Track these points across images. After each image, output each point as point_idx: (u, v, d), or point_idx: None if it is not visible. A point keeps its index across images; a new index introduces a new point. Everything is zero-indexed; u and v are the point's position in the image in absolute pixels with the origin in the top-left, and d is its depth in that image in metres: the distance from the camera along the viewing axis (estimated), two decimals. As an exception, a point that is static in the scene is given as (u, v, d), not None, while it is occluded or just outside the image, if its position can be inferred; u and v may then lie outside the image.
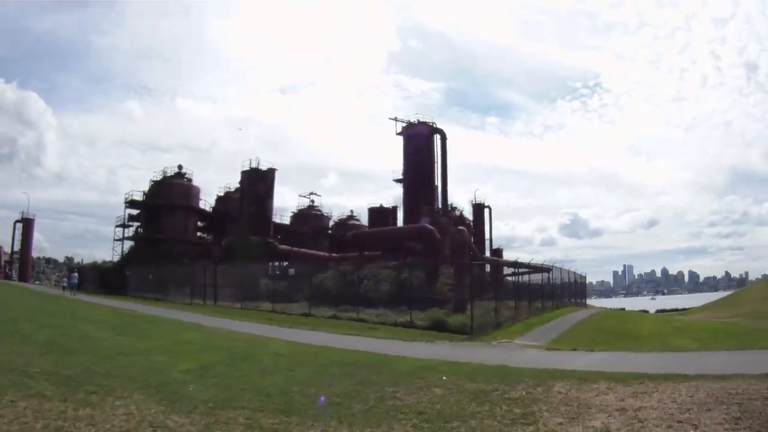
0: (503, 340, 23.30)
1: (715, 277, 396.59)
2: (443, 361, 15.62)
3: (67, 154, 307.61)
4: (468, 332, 25.38)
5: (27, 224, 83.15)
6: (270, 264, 46.79)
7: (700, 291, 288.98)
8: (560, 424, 8.90)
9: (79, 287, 48.05)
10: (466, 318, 26.80)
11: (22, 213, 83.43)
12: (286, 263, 48.00)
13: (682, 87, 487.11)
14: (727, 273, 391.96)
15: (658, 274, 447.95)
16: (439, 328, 26.83)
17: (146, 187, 60.00)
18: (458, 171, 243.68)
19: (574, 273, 53.49)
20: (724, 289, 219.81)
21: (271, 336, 21.76)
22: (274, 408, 9.65)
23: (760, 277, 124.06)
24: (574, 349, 20.14)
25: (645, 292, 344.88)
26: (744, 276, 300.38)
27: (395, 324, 28.38)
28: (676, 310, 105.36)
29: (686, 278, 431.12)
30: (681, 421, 8.76)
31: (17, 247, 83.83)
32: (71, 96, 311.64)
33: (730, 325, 41.73)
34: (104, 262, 62.20)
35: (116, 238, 62.65)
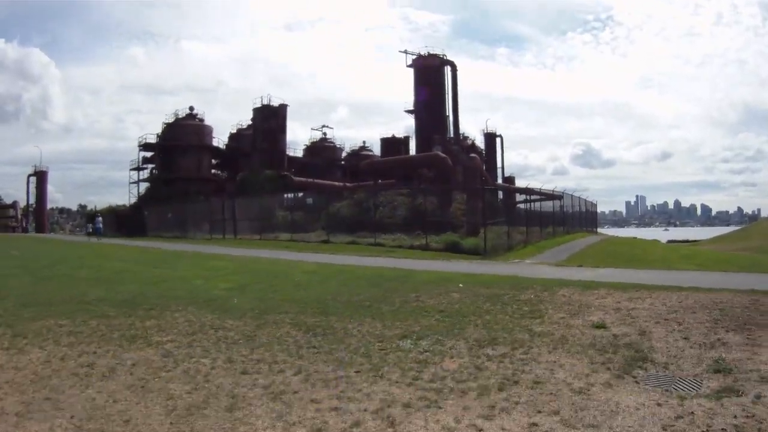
0: (515, 260, 24.91)
1: (727, 212, 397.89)
2: (459, 273, 17.29)
3: (73, 105, 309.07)
4: (481, 253, 26.87)
5: (41, 177, 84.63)
6: (285, 196, 47.98)
7: (712, 225, 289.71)
8: (563, 318, 10.52)
9: (87, 232, 48.26)
10: (479, 240, 28.36)
11: (35, 167, 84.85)
12: (301, 194, 49.31)
13: (696, 23, 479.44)
14: (739, 209, 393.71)
15: (671, 205, 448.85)
16: (453, 250, 28.38)
17: (155, 131, 61.43)
18: (468, 101, 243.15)
19: (585, 200, 54.90)
20: (737, 224, 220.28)
21: (296, 259, 23.30)
22: (313, 311, 11.24)
23: None
24: (581, 266, 21.79)
25: (657, 223, 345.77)
26: (756, 212, 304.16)
27: (411, 247, 29.90)
28: (687, 241, 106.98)
29: (699, 211, 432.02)
30: (667, 319, 10.34)
31: (32, 200, 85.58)
32: (73, 47, 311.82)
33: (736, 255, 43.04)
34: (119, 206, 63.64)
35: (131, 181, 64.37)
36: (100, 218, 47.06)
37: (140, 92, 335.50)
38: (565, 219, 45.67)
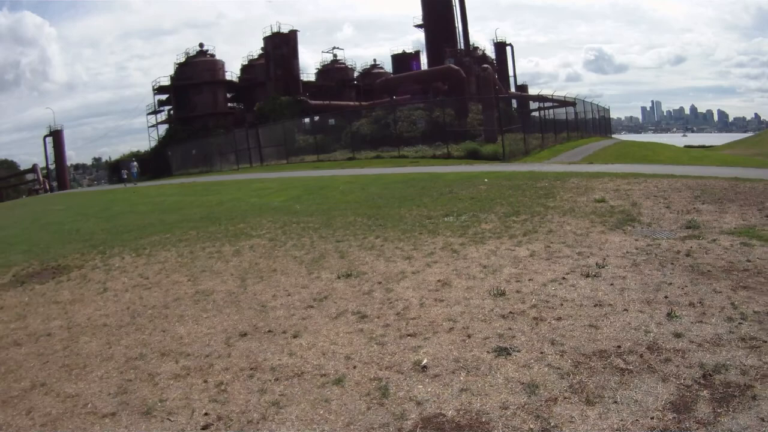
0: (532, 162, 27.57)
1: (744, 118, 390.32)
2: (483, 172, 20.05)
3: (73, 62, 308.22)
4: (500, 158, 29.35)
5: (57, 136, 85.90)
6: (305, 120, 49.76)
7: (729, 131, 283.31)
8: (571, 196, 13.30)
9: (121, 179, 46.55)
10: (498, 146, 30.83)
11: (50, 127, 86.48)
12: (317, 118, 51.36)
13: None
14: (756, 115, 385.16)
15: (687, 111, 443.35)
16: (473, 157, 30.77)
17: (160, 74, 62.89)
18: (476, 10, 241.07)
19: (597, 106, 56.92)
20: (754, 130, 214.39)
21: (330, 175, 25.80)
22: (368, 206, 14.01)
23: None
24: (591, 163, 24.54)
25: (674, 129, 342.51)
26: None
27: (434, 156, 32.30)
28: (703, 146, 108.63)
29: (716, 117, 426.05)
30: (656, 196, 13.11)
31: (51, 160, 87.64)
32: (66, 3, 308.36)
33: (746, 158, 45.05)
34: (138, 152, 64.85)
35: (149, 125, 65.73)
36: (135, 163, 46.66)
37: (140, 37, 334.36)
38: (578, 124, 47.55)
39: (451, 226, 10.46)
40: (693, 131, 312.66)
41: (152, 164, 55.27)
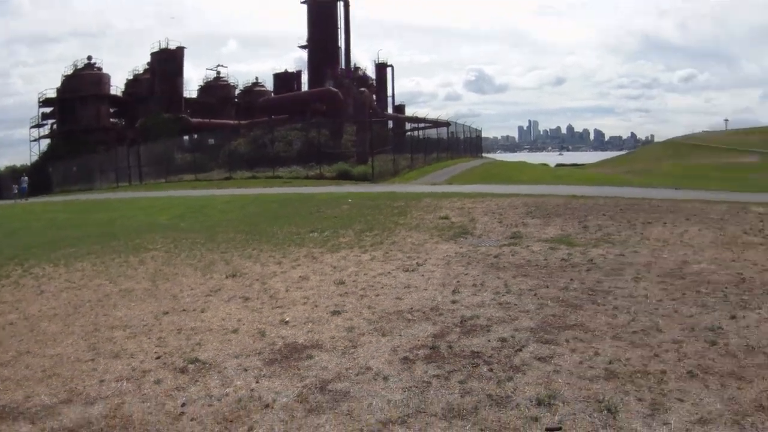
0: (399, 183, 30.82)
1: (620, 137, 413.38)
2: (349, 193, 23.20)
3: None
4: (370, 179, 32.57)
5: None
6: (185, 138, 51.51)
7: (605, 149, 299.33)
8: (420, 214, 16.55)
9: (11, 195, 45.16)
10: (368, 167, 34.04)
11: None
12: (195, 136, 52.95)
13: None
14: (633, 134, 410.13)
15: (564, 130, 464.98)
16: (344, 177, 33.88)
17: (43, 82, 63.14)
18: (362, 29, 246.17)
19: (469, 127, 61.38)
20: (630, 148, 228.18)
21: (208, 195, 28.16)
22: (245, 224, 16.77)
23: (666, 140, 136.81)
24: (451, 183, 28.08)
25: (550, 148, 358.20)
26: (650, 138, 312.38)
27: (307, 177, 35.32)
28: (575, 165, 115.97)
29: (592, 136, 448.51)
30: (494, 212, 16.55)
31: None
32: None
33: (609, 176, 49.63)
34: (19, 166, 64.14)
35: (32, 139, 66.01)
36: (26, 178, 46.53)
37: (24, 43, 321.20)
38: (449, 145, 51.33)
39: (315, 240, 13.39)
40: (569, 150, 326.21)
41: (32, 180, 54.62)
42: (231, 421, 4.68)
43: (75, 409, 5.07)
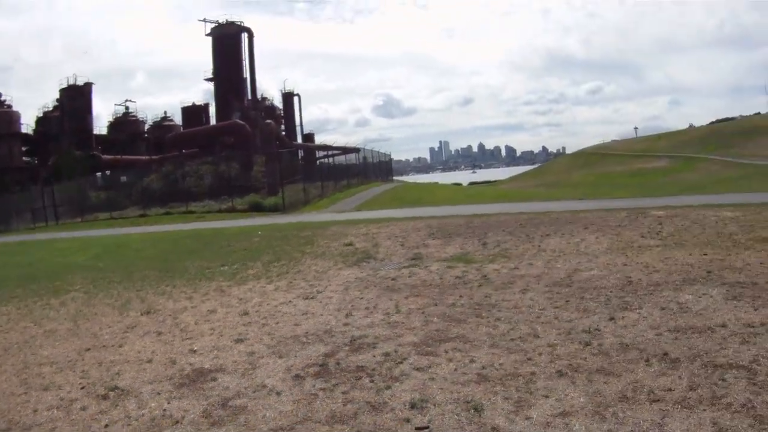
0: (309, 212, 31.86)
1: (532, 152, 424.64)
2: (260, 225, 24.12)
3: None
4: (281, 209, 33.51)
5: None
6: (98, 175, 51.05)
7: (518, 165, 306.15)
8: (326, 242, 17.57)
9: None
10: (279, 198, 34.98)
11: None
12: (108, 172, 52.88)
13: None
14: (544, 148, 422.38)
15: (475, 149, 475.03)
16: (256, 209, 34.74)
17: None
18: (268, 59, 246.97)
19: (378, 152, 62.99)
20: (542, 162, 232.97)
21: (124, 233, 28.65)
22: (159, 261, 17.50)
23: (576, 151, 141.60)
24: (359, 210, 29.29)
25: (462, 167, 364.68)
26: (561, 150, 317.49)
27: (219, 210, 35.98)
28: (488, 182, 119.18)
29: (503, 153, 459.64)
30: (397, 236, 17.62)
31: None
32: None
33: (518, 191, 51.75)
34: None
35: None
36: None
37: None
38: (359, 171, 52.55)
39: (224, 273, 14.25)
40: (482, 168, 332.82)
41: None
42: (147, 435, 5.63)
43: (13, 437, 5.93)
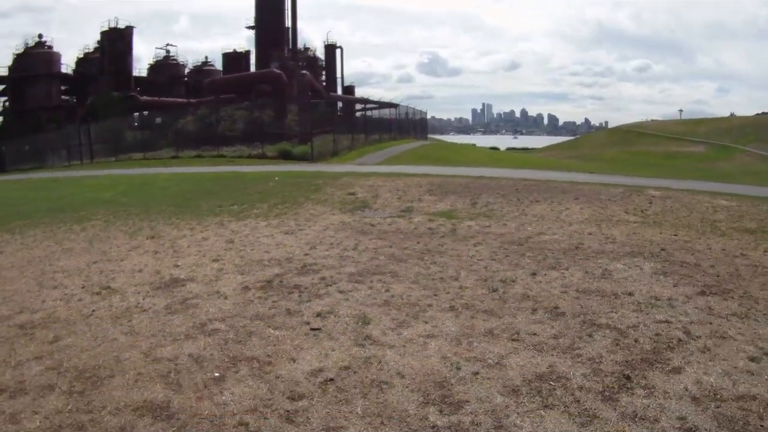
0: (336, 163, 33.42)
1: (574, 123, 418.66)
2: (281, 172, 25.85)
3: None
4: (309, 159, 35.04)
5: None
6: (135, 115, 53.03)
7: (559, 134, 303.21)
8: (332, 191, 19.23)
9: None
10: (308, 148, 36.50)
11: None
12: (146, 113, 54.53)
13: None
14: (586, 120, 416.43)
15: (518, 114, 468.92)
16: (286, 157, 36.25)
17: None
18: (313, 10, 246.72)
19: (414, 109, 64.12)
20: (583, 134, 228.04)
21: (153, 173, 30.40)
22: (178, 199, 19.27)
23: (613, 127, 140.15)
24: (381, 164, 30.89)
25: (504, 131, 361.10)
26: (603, 124, 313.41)
27: (250, 156, 37.61)
28: (526, 149, 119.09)
29: (545, 121, 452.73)
30: (398, 190, 19.15)
31: None
32: None
33: (548, 160, 52.05)
34: None
35: None
36: None
37: None
38: (392, 126, 53.86)
39: (231, 212, 15.99)
40: (523, 133, 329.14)
41: (-13, 159, 55.65)
42: (119, 317, 7.49)
43: (23, 316, 7.79)
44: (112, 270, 10.01)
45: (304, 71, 50.32)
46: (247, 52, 71.60)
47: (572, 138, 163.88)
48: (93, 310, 7.81)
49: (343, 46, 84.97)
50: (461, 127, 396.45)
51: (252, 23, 65.16)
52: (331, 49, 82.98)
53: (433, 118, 70.81)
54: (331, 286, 8.60)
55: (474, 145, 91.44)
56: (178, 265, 10.08)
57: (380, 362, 5.96)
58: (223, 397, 5.25)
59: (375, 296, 8.06)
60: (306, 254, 10.63)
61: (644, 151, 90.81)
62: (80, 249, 12.07)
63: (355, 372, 5.73)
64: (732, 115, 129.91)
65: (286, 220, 14.43)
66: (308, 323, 7.08)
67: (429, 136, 74.55)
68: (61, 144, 48.62)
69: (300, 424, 4.79)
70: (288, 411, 5.00)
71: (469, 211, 15.23)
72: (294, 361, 6.00)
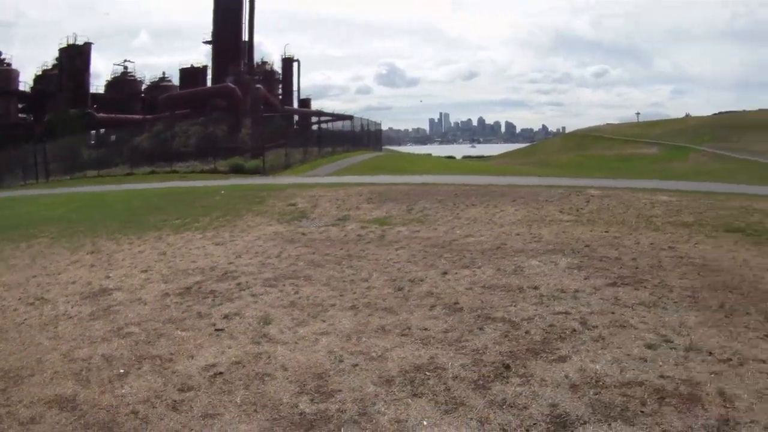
0: (288, 176, 34.08)
1: (532, 129, 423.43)
2: (230, 185, 26.54)
3: None
4: (261, 173, 35.74)
5: None
6: (91, 133, 52.93)
7: (516, 141, 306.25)
8: (274, 203, 19.89)
9: None
10: (260, 161, 37.28)
11: None
12: (102, 131, 54.68)
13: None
14: (544, 126, 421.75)
15: (475, 123, 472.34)
16: (238, 171, 36.88)
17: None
18: (273, 22, 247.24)
19: (369, 121, 64.99)
20: (540, 140, 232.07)
21: (106, 190, 30.78)
22: (126, 215, 19.85)
23: (569, 132, 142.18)
24: (331, 175, 31.69)
25: (461, 140, 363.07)
26: (561, 130, 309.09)
27: (202, 171, 38.18)
28: (482, 157, 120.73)
29: (503, 128, 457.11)
30: (338, 199, 19.83)
31: None
32: None
33: (500, 167, 52.82)
34: None
35: None
36: None
37: None
38: (346, 139, 54.73)
39: (174, 225, 16.60)
40: (480, 142, 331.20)
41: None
42: (47, 324, 8.20)
43: (-40, 326, 8.52)
44: (48, 283, 10.67)
45: (259, 85, 51.06)
46: (205, 67, 71.85)
47: (528, 144, 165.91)
48: (25, 319, 8.48)
49: (300, 59, 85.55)
50: (418, 137, 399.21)
51: (209, 38, 65.74)
52: (288, 62, 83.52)
53: (390, 129, 72.60)
54: (244, 290, 9.30)
55: (429, 155, 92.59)
56: (110, 276, 10.78)
57: (269, 357, 6.49)
58: (123, 390, 5.93)
59: (283, 298, 8.74)
60: (230, 263, 11.36)
61: (598, 155, 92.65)
62: (23, 265, 12.66)
63: (243, 366, 6.34)
64: (687, 116, 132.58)
65: (221, 232, 15.09)
66: (214, 324, 7.77)
67: (386, 147, 75.66)
68: (17, 163, 48.54)
69: (183, 412, 5.42)
70: (175, 401, 5.64)
71: (403, 217, 15.88)
72: (192, 358, 6.66)
